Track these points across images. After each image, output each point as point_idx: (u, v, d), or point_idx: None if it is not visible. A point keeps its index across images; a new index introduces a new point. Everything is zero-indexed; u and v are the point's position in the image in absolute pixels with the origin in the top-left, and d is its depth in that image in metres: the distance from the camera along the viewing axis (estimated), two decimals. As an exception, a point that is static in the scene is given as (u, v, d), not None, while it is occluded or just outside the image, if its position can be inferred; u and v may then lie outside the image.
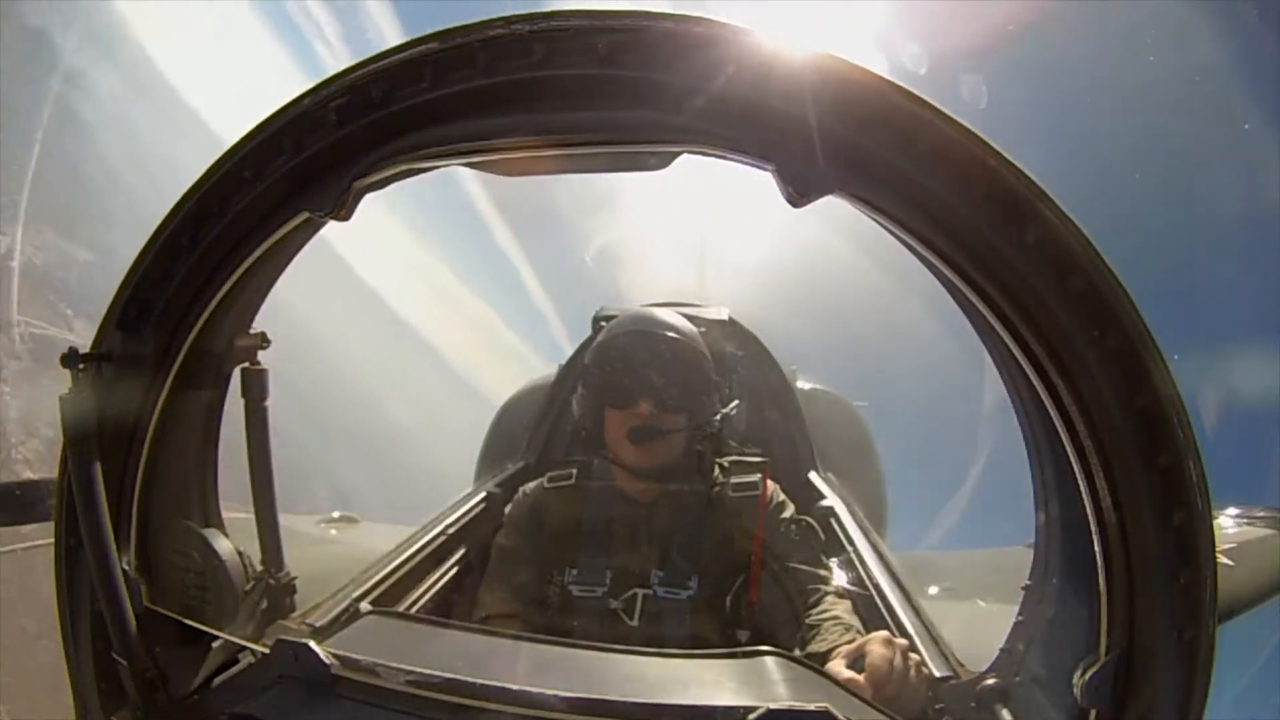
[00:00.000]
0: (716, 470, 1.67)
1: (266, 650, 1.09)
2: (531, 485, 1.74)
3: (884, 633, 1.20)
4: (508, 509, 1.73)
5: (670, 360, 1.57)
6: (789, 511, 1.66)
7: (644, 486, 1.61)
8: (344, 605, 1.58)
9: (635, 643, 1.10)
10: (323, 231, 1.12)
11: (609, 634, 1.49)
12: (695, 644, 1.46)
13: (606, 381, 1.57)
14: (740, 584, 1.57)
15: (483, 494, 2.26)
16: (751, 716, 0.87)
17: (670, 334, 1.59)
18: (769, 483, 1.65)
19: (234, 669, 1.18)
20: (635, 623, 1.51)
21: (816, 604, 1.48)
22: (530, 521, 1.67)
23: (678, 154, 0.98)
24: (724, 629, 1.55)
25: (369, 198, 1.06)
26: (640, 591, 1.53)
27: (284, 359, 1.30)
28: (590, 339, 2.12)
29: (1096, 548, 0.91)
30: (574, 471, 1.68)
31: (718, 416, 1.65)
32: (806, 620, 1.47)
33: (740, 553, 1.58)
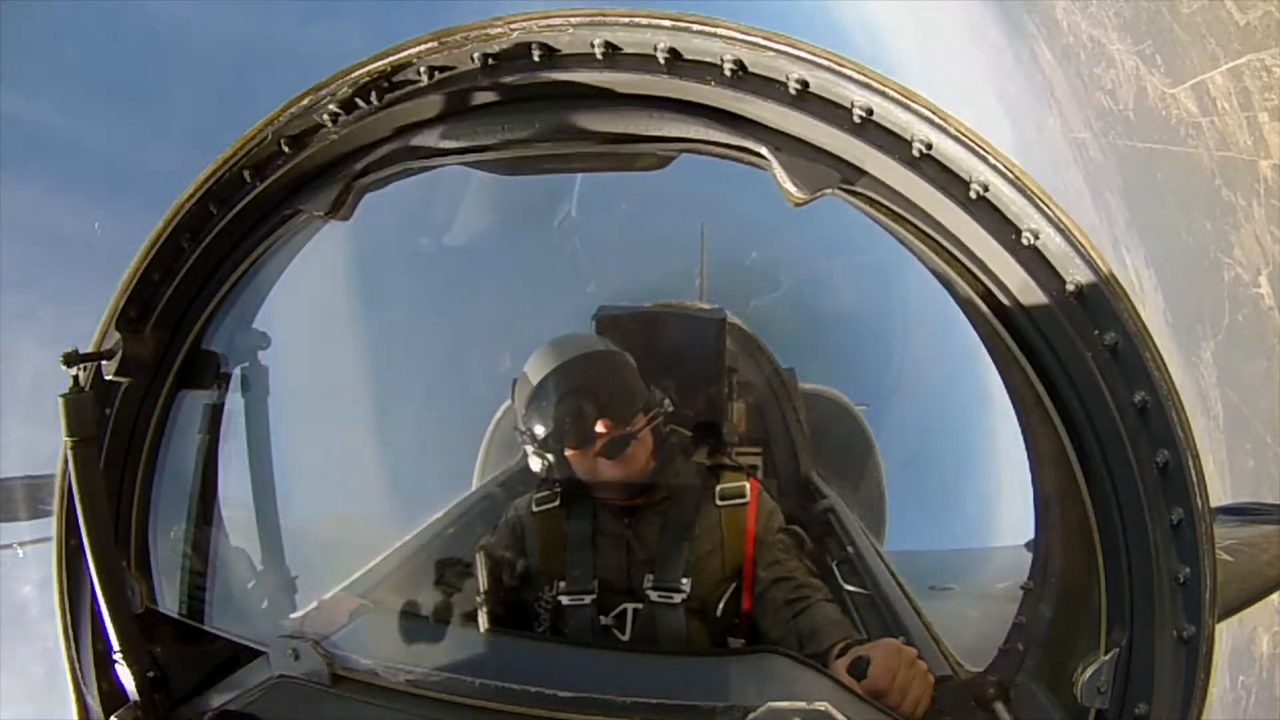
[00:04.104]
0: (703, 474, 1.67)
1: (266, 650, 1.09)
2: (515, 510, 1.71)
3: (894, 642, 1.15)
4: (489, 537, 1.70)
5: (600, 373, 1.57)
6: (777, 518, 1.66)
7: (629, 497, 1.61)
8: (343, 605, 1.58)
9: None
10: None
11: (602, 640, 1.49)
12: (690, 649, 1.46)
13: (556, 428, 1.55)
14: (732, 592, 1.57)
15: (484, 494, 2.26)
16: (752, 715, 0.87)
17: (580, 353, 1.59)
18: (756, 488, 1.65)
19: (234, 669, 1.19)
20: (629, 629, 1.51)
21: (806, 610, 1.48)
22: (514, 550, 1.65)
23: (678, 154, 0.98)
24: (718, 636, 1.55)
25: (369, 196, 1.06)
26: (630, 607, 1.52)
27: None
28: None
29: (1097, 548, 0.91)
30: (558, 492, 1.67)
31: (666, 399, 1.65)
32: (798, 627, 1.46)
33: (731, 560, 1.57)
